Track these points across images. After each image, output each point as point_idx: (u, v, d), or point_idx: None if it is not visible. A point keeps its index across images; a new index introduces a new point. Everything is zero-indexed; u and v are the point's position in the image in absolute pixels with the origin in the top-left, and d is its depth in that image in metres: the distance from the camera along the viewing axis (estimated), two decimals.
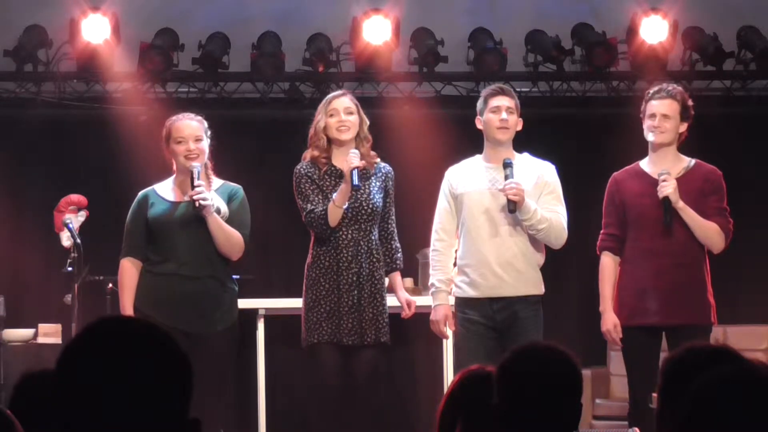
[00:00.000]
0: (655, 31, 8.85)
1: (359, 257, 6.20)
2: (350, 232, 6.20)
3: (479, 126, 6.32)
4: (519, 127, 6.32)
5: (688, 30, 8.97)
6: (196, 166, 6.06)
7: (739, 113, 9.24)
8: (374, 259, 6.25)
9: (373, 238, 6.26)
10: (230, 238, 6.08)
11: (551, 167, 6.36)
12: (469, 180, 6.29)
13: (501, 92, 6.29)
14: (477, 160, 6.37)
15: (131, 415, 1.99)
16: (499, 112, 6.24)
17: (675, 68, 9.00)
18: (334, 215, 6.14)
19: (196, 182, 6.01)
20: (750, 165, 9.13)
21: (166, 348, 2.05)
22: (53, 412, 2.04)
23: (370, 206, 6.24)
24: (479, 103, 6.34)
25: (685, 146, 6.36)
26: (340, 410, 6.13)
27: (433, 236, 6.37)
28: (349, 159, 6.12)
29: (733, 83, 9.16)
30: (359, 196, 6.21)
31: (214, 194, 6.11)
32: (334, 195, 6.14)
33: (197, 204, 5.99)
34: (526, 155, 6.38)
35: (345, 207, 6.15)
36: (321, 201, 6.20)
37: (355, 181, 6.07)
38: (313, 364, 6.22)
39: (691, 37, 8.97)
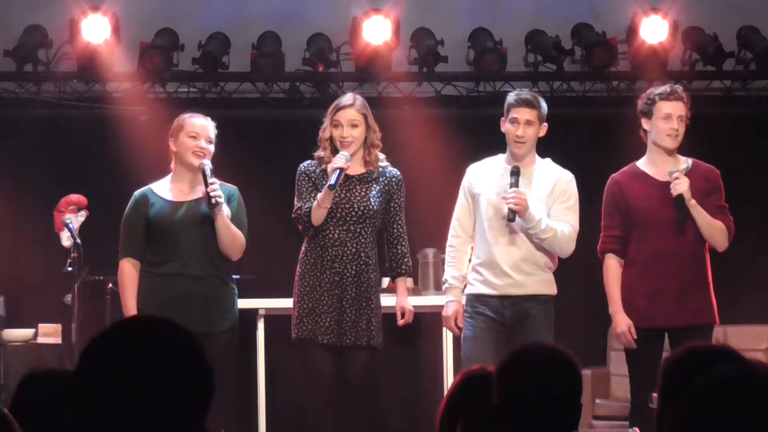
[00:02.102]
0: (655, 31, 8.85)
1: (344, 258, 6.19)
2: (337, 232, 6.20)
3: (503, 129, 6.30)
4: (542, 134, 6.30)
5: (688, 30, 8.98)
6: (208, 163, 6.07)
7: (739, 113, 9.24)
8: (362, 262, 6.22)
9: (364, 240, 6.23)
10: (235, 238, 6.10)
11: (570, 177, 6.34)
12: (486, 180, 6.29)
13: (523, 104, 6.22)
14: (499, 160, 6.35)
15: (147, 419, 1.98)
16: (517, 125, 6.22)
17: (675, 68, 9.00)
18: (317, 214, 6.15)
19: (210, 179, 6.02)
20: (750, 165, 9.13)
21: (196, 358, 2.04)
22: (67, 410, 2.02)
23: (362, 208, 6.22)
24: (505, 105, 6.30)
25: (685, 146, 6.36)
26: (338, 410, 6.13)
27: (450, 232, 6.38)
28: (334, 159, 6.13)
29: (733, 83, 9.16)
30: (351, 197, 6.21)
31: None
32: (318, 194, 6.15)
33: (213, 201, 5.99)
34: (548, 161, 6.37)
35: (329, 207, 6.14)
36: (312, 199, 6.21)
37: (331, 181, 6.07)
38: (301, 359, 6.26)
39: (691, 37, 8.97)
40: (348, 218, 6.21)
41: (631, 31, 8.93)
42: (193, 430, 2.03)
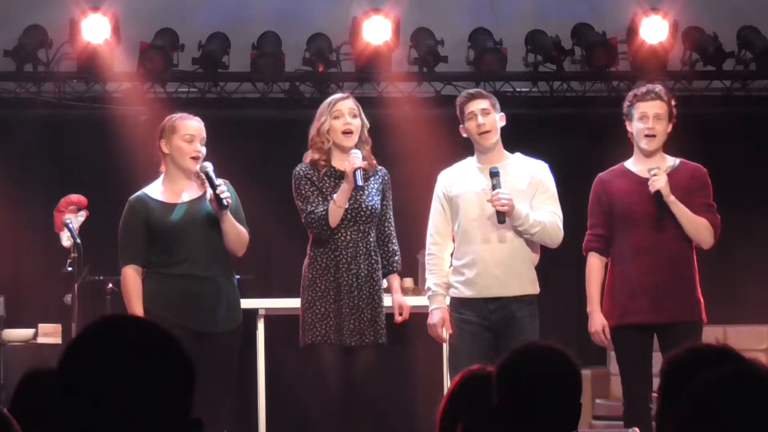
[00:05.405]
0: (655, 31, 8.85)
1: (358, 258, 6.20)
2: (349, 233, 6.20)
3: (464, 134, 6.33)
4: (502, 123, 6.31)
5: (688, 30, 8.98)
6: (210, 165, 6.05)
7: (739, 113, 9.24)
8: (372, 261, 6.24)
9: (371, 239, 6.25)
10: (240, 235, 6.10)
11: (544, 166, 6.36)
12: (463, 182, 6.29)
13: (472, 97, 6.28)
14: (470, 162, 6.37)
15: (132, 415, 1.99)
16: (474, 118, 6.23)
17: (675, 68, 9.00)
18: (335, 215, 6.13)
19: (216, 181, 6.00)
20: (750, 165, 9.13)
21: (168, 348, 2.05)
22: (54, 411, 2.04)
23: (369, 208, 6.23)
24: (457, 112, 6.33)
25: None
26: (339, 410, 6.13)
27: (428, 240, 6.36)
28: (351, 159, 6.11)
29: (733, 83, 9.16)
30: (358, 197, 6.21)
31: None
32: (335, 195, 6.14)
33: (225, 203, 5.97)
34: (518, 155, 6.38)
35: (345, 207, 6.15)
36: (320, 202, 6.19)
37: (359, 181, 6.06)
38: (311, 363, 6.23)
39: (691, 37, 8.98)
40: (358, 218, 6.21)
41: (631, 31, 8.93)
42: (179, 422, 2.03)
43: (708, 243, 6.17)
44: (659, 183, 6.06)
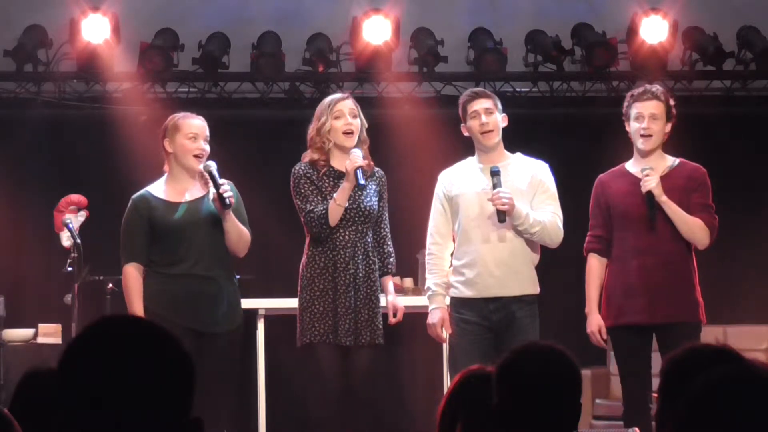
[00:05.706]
0: (655, 31, 8.86)
1: (356, 258, 6.20)
2: (347, 233, 6.20)
3: (465, 133, 6.33)
4: (504, 123, 6.31)
5: (688, 30, 8.98)
6: (213, 164, 6.05)
7: (739, 113, 9.24)
8: (370, 261, 6.24)
9: (368, 240, 6.26)
10: (242, 235, 6.10)
11: (545, 166, 6.37)
12: (464, 181, 6.29)
13: (476, 96, 6.29)
14: (471, 161, 6.37)
15: (132, 415, 1.99)
16: (478, 116, 6.24)
17: (675, 68, 9.01)
18: (335, 214, 6.13)
19: (219, 180, 6.00)
20: (750, 165, 9.13)
21: (168, 347, 2.05)
22: (55, 411, 2.05)
23: (367, 208, 6.24)
24: (460, 111, 6.33)
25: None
26: (339, 410, 6.13)
27: (428, 240, 6.37)
28: (352, 158, 6.11)
29: (733, 83, 9.16)
30: (357, 197, 6.21)
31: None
32: (336, 194, 6.14)
33: (228, 202, 5.96)
34: (518, 155, 6.38)
35: (345, 206, 6.15)
36: (320, 201, 6.19)
37: (361, 180, 6.07)
38: (310, 363, 6.23)
39: (691, 37, 8.98)
40: (356, 219, 6.21)
41: (631, 31, 8.94)
42: (179, 422, 2.03)
43: (703, 243, 6.16)
44: (650, 184, 6.07)
